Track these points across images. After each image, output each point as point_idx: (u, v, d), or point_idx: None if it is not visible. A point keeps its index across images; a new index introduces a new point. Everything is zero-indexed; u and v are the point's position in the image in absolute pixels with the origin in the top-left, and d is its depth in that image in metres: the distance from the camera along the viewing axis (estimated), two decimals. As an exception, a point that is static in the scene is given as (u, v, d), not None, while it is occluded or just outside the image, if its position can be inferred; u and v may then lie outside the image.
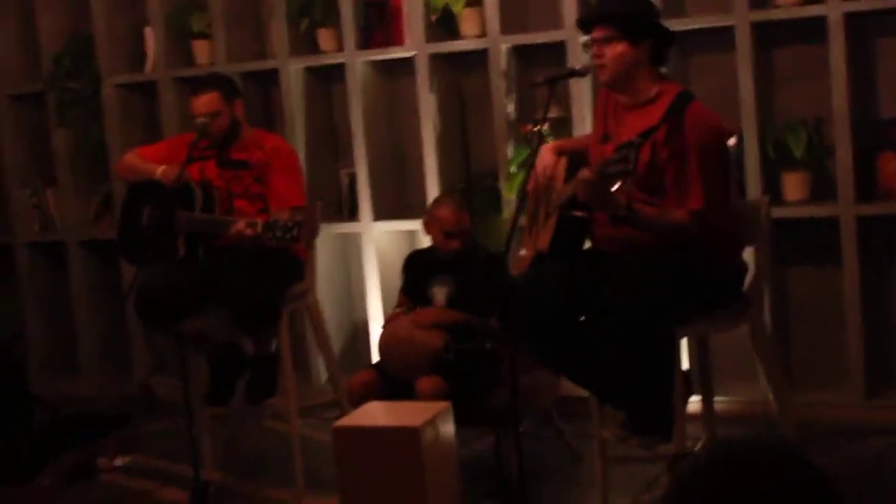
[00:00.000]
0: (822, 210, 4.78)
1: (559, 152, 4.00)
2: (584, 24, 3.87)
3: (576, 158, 3.93)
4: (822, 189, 4.85)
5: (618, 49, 3.72)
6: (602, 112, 3.95)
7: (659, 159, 3.65)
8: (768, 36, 4.89)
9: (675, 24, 4.78)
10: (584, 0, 4.94)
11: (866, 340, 4.77)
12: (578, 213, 3.78)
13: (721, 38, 4.88)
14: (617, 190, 3.43)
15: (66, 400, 5.66)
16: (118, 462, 5.02)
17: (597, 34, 3.76)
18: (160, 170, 4.70)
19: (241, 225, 4.35)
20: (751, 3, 4.76)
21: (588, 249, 3.91)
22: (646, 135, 3.51)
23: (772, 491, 1.63)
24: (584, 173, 3.57)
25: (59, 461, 4.83)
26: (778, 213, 4.71)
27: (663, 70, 3.91)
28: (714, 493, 1.64)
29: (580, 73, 4.01)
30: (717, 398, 4.39)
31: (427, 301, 4.65)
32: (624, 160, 3.33)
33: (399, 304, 4.77)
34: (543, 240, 3.91)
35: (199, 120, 4.67)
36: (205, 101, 4.71)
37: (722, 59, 4.94)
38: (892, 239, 4.84)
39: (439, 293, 4.61)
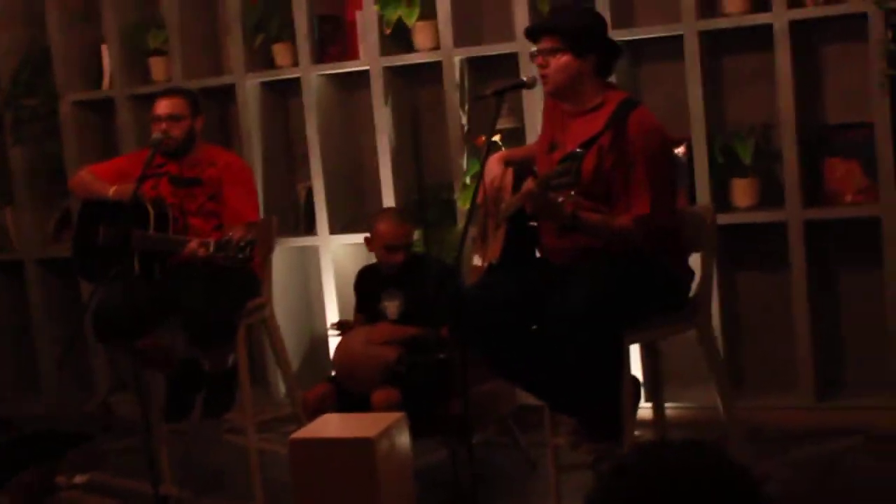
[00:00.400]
0: (771, 215, 4.80)
1: (507, 162, 4.03)
2: (532, 35, 3.89)
3: (523, 167, 3.95)
4: (770, 194, 4.88)
5: (562, 60, 3.75)
6: (549, 120, 3.98)
7: (604, 166, 3.67)
8: (716, 44, 4.94)
9: (624, 34, 4.88)
10: (536, 12, 4.98)
11: (816, 344, 4.80)
12: (531, 224, 3.82)
13: (670, 47, 4.91)
14: (562, 201, 3.47)
15: (25, 418, 5.64)
16: (78, 480, 4.91)
17: (542, 45, 3.79)
18: (112, 189, 4.68)
19: (193, 245, 4.35)
20: (699, 12, 4.79)
21: (538, 259, 3.93)
22: (589, 143, 3.53)
23: (692, 487, 1.67)
24: (529, 185, 3.60)
25: (18, 480, 4.77)
26: (727, 219, 4.75)
27: (610, 80, 3.94)
28: (636, 493, 1.69)
29: (527, 85, 4.03)
30: (668, 404, 4.41)
31: (380, 315, 4.66)
32: (566, 173, 3.35)
33: (353, 322, 4.80)
34: (494, 250, 3.94)
35: (157, 133, 4.67)
36: (171, 103, 4.73)
37: (671, 67, 4.98)
38: (839, 242, 4.88)
39: (391, 307, 4.62)
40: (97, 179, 4.81)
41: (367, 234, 4.70)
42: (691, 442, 1.77)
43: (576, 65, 3.76)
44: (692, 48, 4.79)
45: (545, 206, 3.54)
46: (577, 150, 3.43)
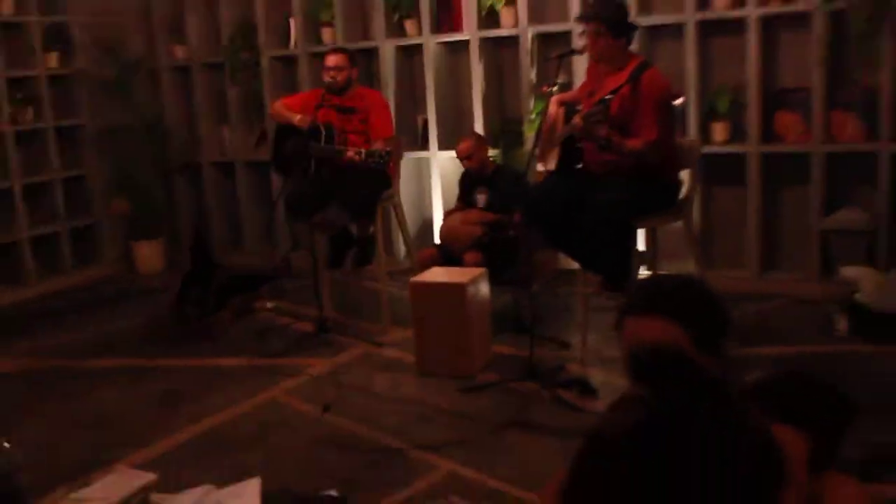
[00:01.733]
0: (737, 148, 4.73)
1: (561, 102, 4.02)
2: (582, 20, 3.88)
3: (571, 107, 3.94)
4: (737, 134, 4.81)
5: (605, 41, 3.75)
6: (590, 75, 3.98)
7: (625, 108, 3.67)
8: (708, 29, 4.82)
9: (645, 19, 4.80)
10: (584, 1, 4.92)
11: (761, 236, 4.76)
12: (577, 145, 3.84)
13: (675, 30, 4.83)
14: (599, 128, 3.50)
15: (235, 264, 5.76)
16: (269, 305, 5.12)
17: (589, 27, 3.77)
18: (297, 118, 4.68)
19: (351, 153, 4.38)
20: (696, 6, 4.70)
21: (581, 170, 3.92)
22: (615, 91, 3.54)
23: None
24: (576, 119, 3.62)
25: (231, 302, 4.93)
26: (708, 149, 4.70)
27: (631, 47, 3.92)
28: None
29: (579, 52, 4.02)
30: (660, 272, 4.38)
31: (473, 204, 4.68)
32: (599, 112, 3.41)
33: (457, 205, 4.81)
34: (551, 162, 3.98)
35: (327, 78, 4.67)
36: (336, 58, 4.71)
37: (676, 44, 4.89)
38: (782, 169, 4.79)
39: (480, 199, 4.63)
40: (288, 108, 4.81)
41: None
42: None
43: (612, 42, 3.76)
44: (690, 31, 4.72)
45: (587, 131, 3.56)
46: (607, 96, 3.46)
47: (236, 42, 6.13)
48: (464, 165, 4.67)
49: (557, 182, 3.85)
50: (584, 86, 4.05)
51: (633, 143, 3.66)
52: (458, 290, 3.83)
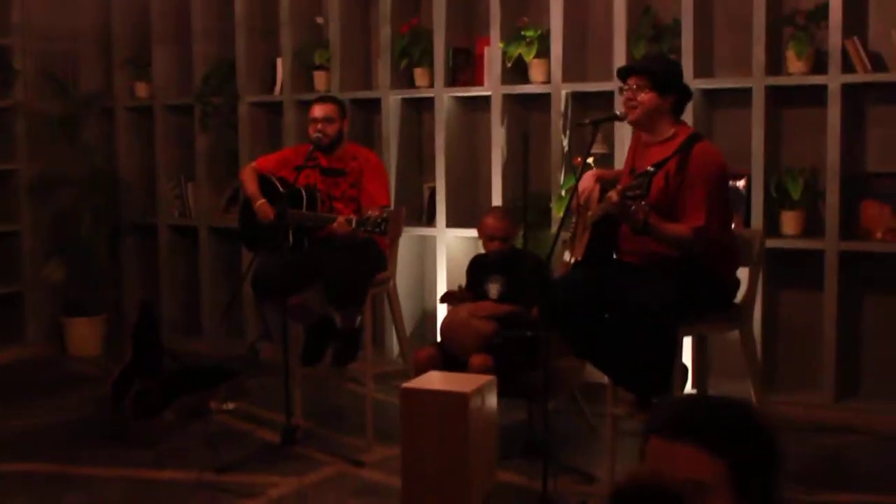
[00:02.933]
0: (812, 244, 4.77)
1: (597, 179, 4.10)
2: (624, 74, 3.97)
3: (609, 185, 4.00)
4: (813, 226, 4.85)
5: (647, 96, 3.85)
6: (632, 150, 4.07)
7: (670, 187, 3.74)
8: (780, 97, 4.91)
9: (703, 83, 4.89)
10: (632, 57, 5.02)
11: (838, 354, 4.75)
12: (612, 229, 3.89)
13: (740, 97, 4.91)
14: (636, 208, 3.56)
15: (189, 354, 5.78)
16: (226, 406, 5.11)
17: (632, 82, 3.88)
18: (258, 203, 4.76)
19: (340, 220, 4.46)
20: (767, 70, 4.78)
21: (615, 260, 3.98)
22: (659, 165, 3.61)
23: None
24: (612, 195, 3.69)
25: (181, 400, 4.91)
26: (775, 243, 4.74)
27: (681, 117, 4.00)
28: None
29: (620, 118, 4.09)
30: (710, 392, 4.40)
31: (483, 295, 4.70)
32: (639, 186, 3.46)
33: (462, 295, 4.78)
34: (579, 250, 4.01)
35: (313, 133, 4.76)
36: (325, 108, 4.81)
37: (740, 113, 4.97)
38: (868, 272, 4.83)
39: (493, 288, 4.65)
40: (254, 183, 4.87)
41: (478, 224, 4.77)
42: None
43: (657, 101, 3.85)
44: (759, 99, 4.79)
45: (623, 211, 3.62)
46: (649, 168, 3.53)
47: (210, 82, 6.27)
48: (489, 247, 4.70)
49: (585, 274, 3.90)
50: (627, 161, 4.13)
51: (676, 229, 3.72)
52: (459, 400, 3.84)
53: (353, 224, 4.37)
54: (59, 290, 6.44)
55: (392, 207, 5.08)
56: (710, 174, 3.76)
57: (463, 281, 4.99)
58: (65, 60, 6.53)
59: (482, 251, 4.85)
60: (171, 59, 6.56)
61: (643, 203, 3.49)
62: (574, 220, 4.20)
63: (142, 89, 6.65)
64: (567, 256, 4.17)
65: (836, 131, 4.68)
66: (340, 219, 4.48)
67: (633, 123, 3.94)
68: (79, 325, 6.42)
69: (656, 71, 3.88)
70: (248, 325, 6.23)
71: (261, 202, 4.78)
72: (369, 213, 4.37)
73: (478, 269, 4.84)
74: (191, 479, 4.23)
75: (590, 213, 4.00)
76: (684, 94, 3.94)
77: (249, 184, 4.92)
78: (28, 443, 4.72)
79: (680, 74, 3.96)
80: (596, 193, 4.04)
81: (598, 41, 5.39)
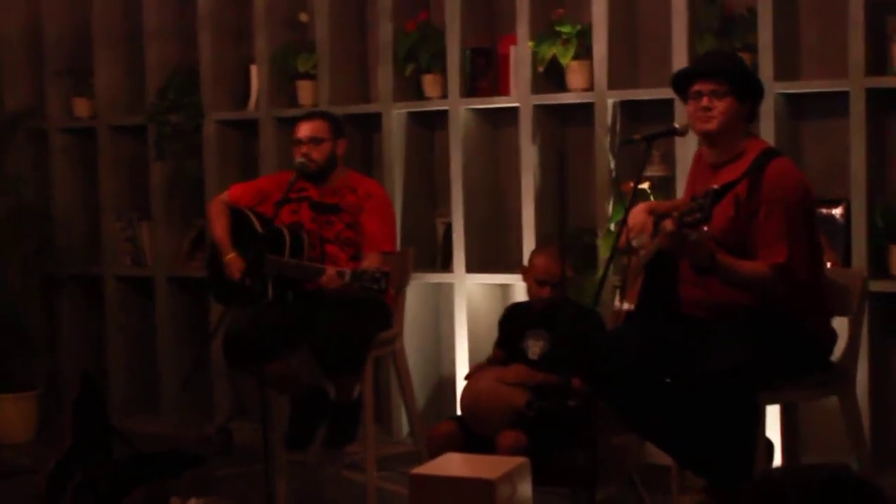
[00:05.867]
0: (930, 286, 4.77)
1: (651, 213, 4.14)
2: (688, 78, 4.04)
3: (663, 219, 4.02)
4: (930, 265, 4.85)
5: (726, 102, 3.92)
6: (693, 174, 4.14)
7: (742, 215, 3.79)
8: (884, 103, 4.93)
9: (787, 87, 4.93)
10: (695, 57, 5.04)
11: None
12: (670, 271, 3.92)
13: (834, 103, 4.94)
14: (700, 240, 3.59)
15: (143, 436, 5.76)
16: (191, 502, 5.03)
17: (708, 87, 3.94)
18: (229, 256, 4.86)
19: (331, 272, 4.53)
20: (867, 69, 4.79)
21: (675, 311, 4.02)
22: (727, 187, 3.64)
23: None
24: (666, 224, 3.73)
25: (133, 496, 4.83)
26: (883, 286, 4.74)
27: (750, 127, 4.08)
28: None
29: (680, 133, 4.18)
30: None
31: (521, 354, 4.73)
32: (699, 209, 3.51)
33: (493, 357, 4.86)
34: (630, 298, 4.07)
35: (299, 158, 4.85)
36: (312, 126, 4.90)
37: (834, 124, 4.99)
38: None
39: (534, 346, 4.68)
40: (224, 221, 4.99)
41: (525, 265, 4.84)
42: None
43: (738, 108, 3.94)
44: (858, 106, 4.79)
45: (681, 243, 3.66)
46: (713, 187, 3.57)
47: (168, 96, 6.32)
48: (535, 293, 4.71)
49: (639, 329, 3.95)
50: (687, 188, 4.19)
51: (752, 267, 3.76)
52: (484, 489, 3.83)
53: (346, 278, 4.43)
54: (-22, 359, 6.48)
55: (397, 250, 5.12)
56: (790, 198, 3.82)
57: (489, 339, 5.02)
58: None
59: (519, 299, 4.86)
60: (117, 68, 6.63)
61: (706, 229, 3.52)
62: (626, 262, 4.24)
63: (81, 106, 6.72)
64: (618, 303, 4.21)
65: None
66: (330, 271, 4.54)
67: (710, 136, 3.98)
68: (4, 403, 6.44)
69: (735, 72, 3.95)
70: (218, 399, 6.25)
71: (230, 256, 4.85)
72: (366, 265, 4.43)
73: (516, 320, 4.87)
74: None
75: (642, 253, 4.04)
76: (759, 97, 4.03)
77: (218, 224, 5.01)
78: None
79: (754, 74, 4.03)
80: (649, 228, 4.09)
81: (653, 37, 5.45)
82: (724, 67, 4.01)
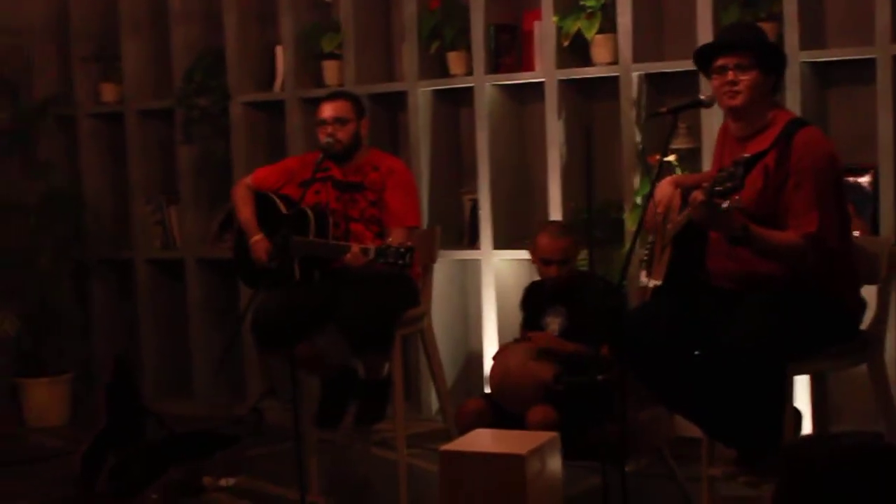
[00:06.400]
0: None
1: (677, 186, 4.13)
2: (713, 52, 4.01)
3: (690, 193, 3.99)
4: (959, 233, 4.81)
5: (752, 76, 3.89)
6: (719, 146, 4.11)
7: (770, 186, 3.78)
8: None
9: (813, 56, 4.90)
10: (720, 28, 5.01)
11: None
12: (699, 242, 3.91)
13: (861, 71, 4.92)
14: (731, 210, 3.56)
15: (176, 417, 5.81)
16: (224, 482, 5.13)
17: (732, 60, 3.91)
18: (254, 239, 4.87)
19: (355, 249, 4.53)
20: (894, 36, 4.76)
21: (704, 283, 4.00)
22: (755, 158, 3.58)
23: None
24: (696, 195, 3.71)
25: (167, 477, 4.93)
26: None
27: (776, 98, 4.06)
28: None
29: (706, 104, 4.13)
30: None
31: (542, 330, 4.73)
32: (730, 177, 3.47)
33: (520, 338, 4.83)
34: (658, 272, 4.03)
35: (324, 138, 4.86)
36: (336, 106, 4.90)
37: (861, 91, 4.98)
38: None
39: (553, 323, 4.69)
40: (249, 204, 5.00)
41: (530, 246, 4.84)
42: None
43: (764, 81, 3.91)
44: (885, 72, 4.77)
45: (712, 214, 3.62)
46: (744, 156, 3.53)
47: (194, 79, 6.36)
48: (544, 273, 4.74)
49: (668, 303, 3.93)
50: (714, 161, 4.17)
51: (785, 237, 3.74)
52: (514, 465, 3.86)
53: (371, 255, 4.44)
54: (12, 344, 6.52)
55: (423, 226, 5.12)
56: (820, 167, 3.79)
57: (517, 316, 5.02)
58: (13, 59, 6.66)
59: (537, 279, 4.88)
60: (144, 53, 6.66)
61: (737, 198, 3.50)
62: (651, 237, 4.22)
63: (109, 91, 6.77)
64: (644, 279, 4.19)
65: None
66: (355, 248, 4.54)
67: (738, 110, 3.96)
68: (38, 388, 6.50)
69: (758, 44, 3.94)
70: (250, 380, 6.29)
71: (257, 238, 4.87)
72: (390, 240, 4.42)
73: (534, 299, 4.89)
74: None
75: (669, 226, 4.02)
76: (783, 68, 4.01)
77: (243, 208, 5.02)
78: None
79: (777, 45, 4.00)
80: (677, 201, 4.07)
81: (677, 9, 5.43)
82: (747, 39, 3.98)
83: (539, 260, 4.73)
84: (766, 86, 3.94)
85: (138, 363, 6.53)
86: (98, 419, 5.20)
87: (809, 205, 3.75)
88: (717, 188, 3.53)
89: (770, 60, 3.95)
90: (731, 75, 3.92)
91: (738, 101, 3.93)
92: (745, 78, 3.90)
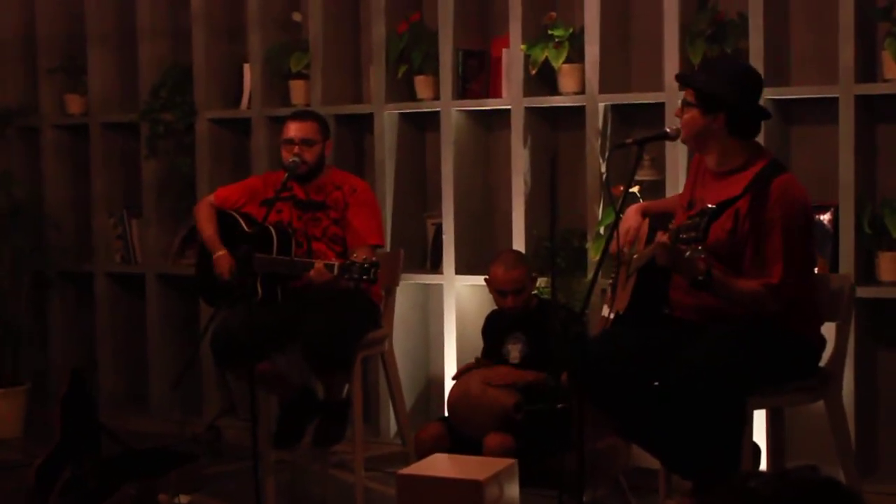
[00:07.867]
0: (917, 293, 4.76)
1: (645, 214, 4.15)
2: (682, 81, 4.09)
3: (661, 221, 4.06)
4: (917, 271, 4.84)
5: (691, 114, 3.92)
6: (692, 177, 4.12)
7: (740, 231, 3.80)
8: (873, 110, 4.94)
9: (777, 93, 4.94)
10: (688, 63, 5.04)
11: None
12: (663, 276, 3.93)
13: (824, 110, 4.95)
14: (695, 256, 3.58)
15: (132, 433, 5.79)
16: (179, 500, 5.07)
17: (684, 94, 3.98)
18: (217, 255, 4.87)
19: (319, 266, 4.54)
20: (857, 75, 4.79)
21: (665, 315, 4.03)
22: (726, 204, 3.65)
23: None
24: (661, 237, 3.75)
25: (121, 493, 4.90)
26: (870, 292, 4.76)
27: (755, 140, 4.05)
28: None
29: (670, 137, 4.15)
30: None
31: (502, 359, 4.77)
32: (695, 227, 3.49)
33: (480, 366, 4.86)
34: (621, 301, 4.07)
35: (288, 157, 4.86)
36: (304, 127, 4.91)
37: (824, 129, 4.99)
38: None
39: (513, 350, 4.73)
40: (212, 221, 5.00)
41: (487, 276, 4.86)
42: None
43: (702, 121, 3.91)
44: (847, 112, 4.79)
45: (675, 258, 3.66)
46: (709, 206, 3.55)
47: (161, 94, 6.34)
48: (500, 303, 4.77)
49: (629, 332, 3.96)
50: (685, 190, 4.19)
51: (746, 285, 3.77)
52: (471, 490, 3.88)
53: (335, 271, 4.44)
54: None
55: (386, 248, 5.12)
56: (793, 218, 3.81)
57: (478, 341, 5.03)
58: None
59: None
60: (111, 66, 6.64)
61: (698, 248, 3.52)
62: (615, 265, 4.25)
63: (74, 103, 6.73)
64: (605, 310, 4.22)
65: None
66: (318, 264, 4.55)
67: (685, 143, 4.01)
68: (-7, 400, 6.46)
69: (698, 85, 3.94)
70: (207, 397, 6.26)
71: (220, 254, 4.86)
72: (354, 256, 4.43)
73: (495, 326, 4.92)
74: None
75: (635, 257, 4.04)
76: (752, 112, 3.97)
77: (207, 225, 5.02)
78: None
79: (743, 86, 3.95)
80: (645, 230, 4.10)
81: (644, 42, 5.46)
82: (696, 77, 4.01)
83: (495, 291, 4.75)
84: (711, 125, 3.90)
85: (95, 377, 6.49)
86: (53, 433, 5.17)
87: (775, 255, 3.77)
88: (682, 235, 3.56)
89: (709, 100, 3.90)
90: (677, 110, 3.98)
91: (681, 135, 3.99)
92: (686, 116, 3.94)
